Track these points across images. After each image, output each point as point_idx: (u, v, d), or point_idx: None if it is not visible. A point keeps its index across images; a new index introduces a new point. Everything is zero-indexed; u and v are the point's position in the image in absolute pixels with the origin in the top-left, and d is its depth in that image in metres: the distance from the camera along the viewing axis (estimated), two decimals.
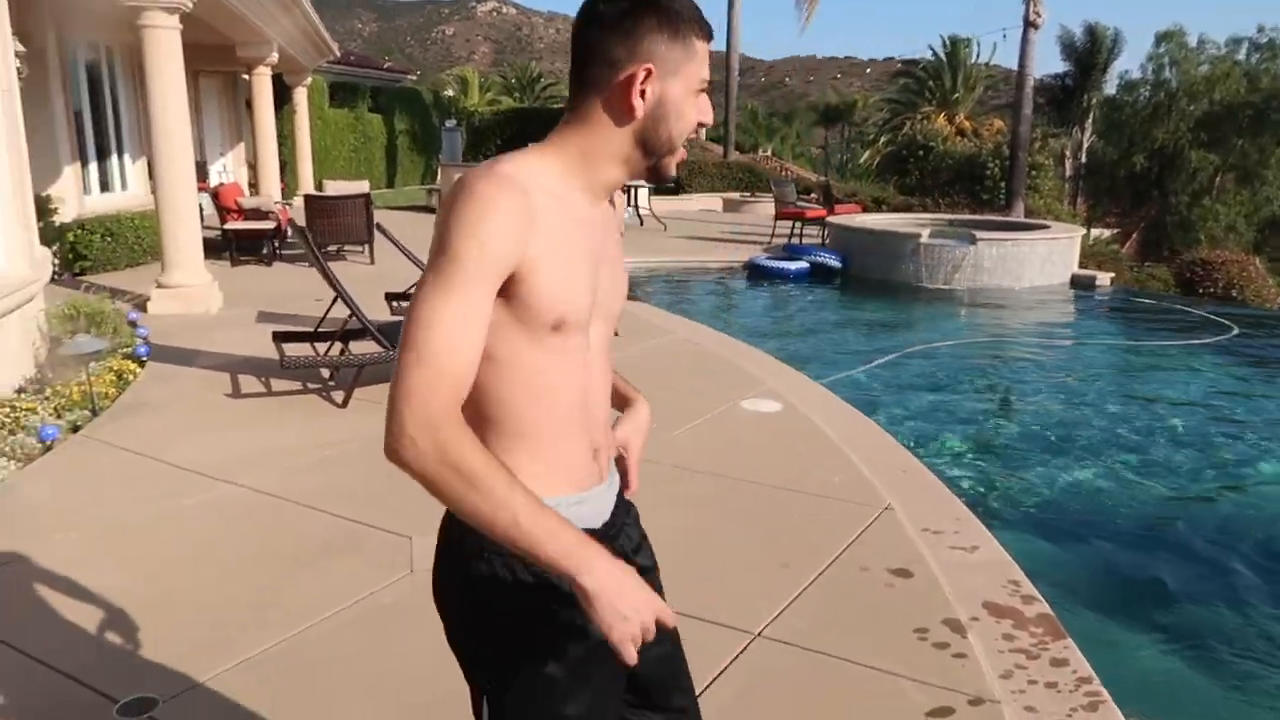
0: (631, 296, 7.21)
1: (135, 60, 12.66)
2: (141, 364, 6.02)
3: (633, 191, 15.53)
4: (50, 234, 8.96)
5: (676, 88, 1.30)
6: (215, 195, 11.26)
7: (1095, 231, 23.87)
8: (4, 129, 5.35)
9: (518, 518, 1.15)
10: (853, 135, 55.49)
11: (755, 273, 11.67)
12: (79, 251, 9.63)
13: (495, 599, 1.33)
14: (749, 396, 5.46)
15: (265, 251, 11.31)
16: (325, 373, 5.76)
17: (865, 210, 15.55)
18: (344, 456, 4.46)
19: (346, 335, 5.73)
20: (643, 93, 1.28)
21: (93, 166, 11.55)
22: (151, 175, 13.13)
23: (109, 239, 10.03)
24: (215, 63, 14.90)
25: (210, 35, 11.55)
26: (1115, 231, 27.87)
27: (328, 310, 5.85)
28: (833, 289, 11.28)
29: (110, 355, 5.88)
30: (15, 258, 5.57)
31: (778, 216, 13.94)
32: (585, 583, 1.14)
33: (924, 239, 11.03)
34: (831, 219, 12.90)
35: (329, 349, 5.70)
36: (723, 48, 22.98)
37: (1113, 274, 12.14)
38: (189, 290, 7.82)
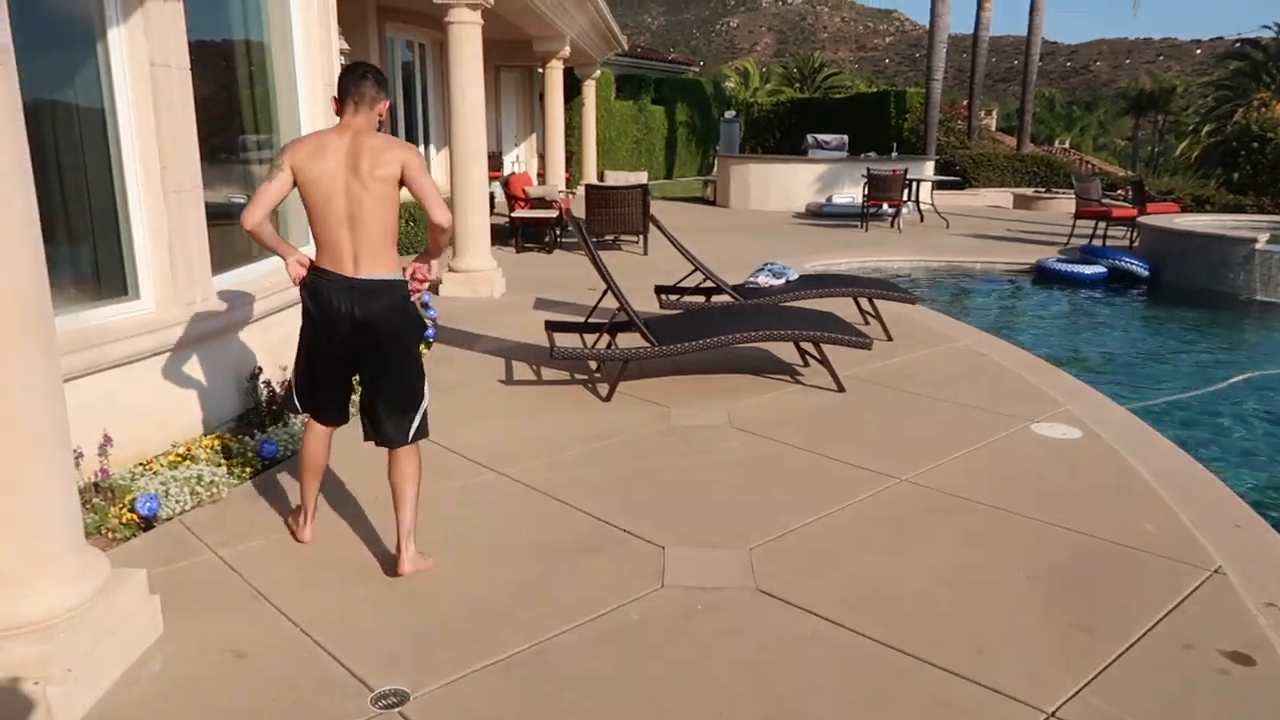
0: (907, 299, 6.70)
1: (443, 56, 13.64)
2: (429, 345, 6.36)
3: (914, 186, 14.72)
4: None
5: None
6: (506, 184, 11.87)
7: None
8: (325, 123, 5.79)
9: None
10: (1167, 125, 49.97)
11: (1044, 276, 10.62)
12: None
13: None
14: (1041, 419, 4.86)
15: (547, 239, 11.80)
16: (592, 364, 5.80)
17: (1184, 210, 13.74)
18: (604, 453, 4.42)
19: (614, 327, 5.73)
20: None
21: None
22: (450, 165, 14.16)
23: (412, 224, 10.82)
24: (514, 58, 15.77)
25: (511, 31, 12.17)
26: None
27: (598, 301, 5.87)
28: (1137, 298, 10.02)
29: None
30: None
31: (1078, 215, 12.65)
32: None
33: (1260, 244, 9.54)
34: (1143, 219, 11.50)
35: (596, 340, 5.73)
36: (1022, 31, 21.31)
37: None
38: (476, 275, 8.24)
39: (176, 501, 3.64)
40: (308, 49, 5.60)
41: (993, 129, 27.75)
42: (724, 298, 6.76)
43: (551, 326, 5.73)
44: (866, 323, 6.96)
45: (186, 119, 4.30)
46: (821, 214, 16.36)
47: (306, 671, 2.66)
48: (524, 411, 5.07)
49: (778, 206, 17.06)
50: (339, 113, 3.16)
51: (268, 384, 4.88)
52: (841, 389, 5.36)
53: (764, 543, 3.46)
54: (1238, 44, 39.22)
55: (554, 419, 4.93)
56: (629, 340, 5.73)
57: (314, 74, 5.62)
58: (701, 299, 6.98)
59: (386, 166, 3.02)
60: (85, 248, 4.22)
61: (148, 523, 3.53)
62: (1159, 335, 8.56)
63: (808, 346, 5.73)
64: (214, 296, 4.56)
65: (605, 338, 5.79)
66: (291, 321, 5.40)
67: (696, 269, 6.83)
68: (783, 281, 6.82)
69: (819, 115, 26.81)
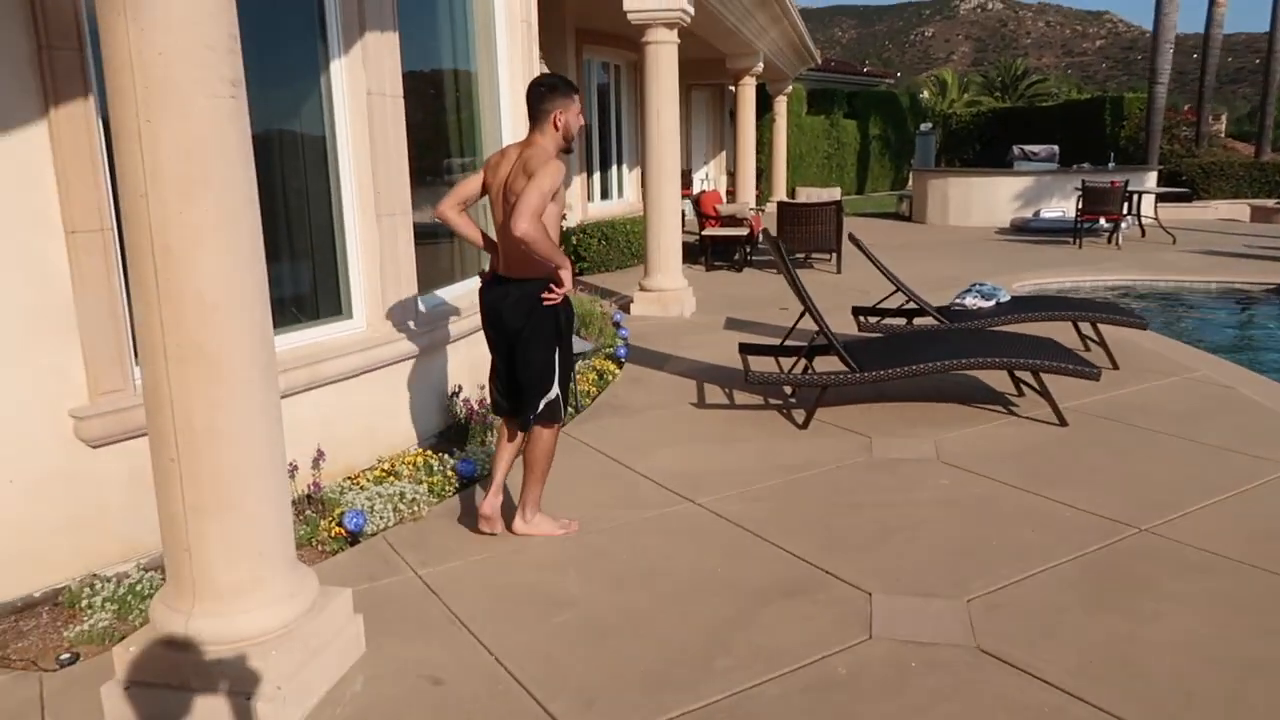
0: (1135, 323, 6.09)
1: (636, 77, 13.80)
2: (620, 365, 6.35)
3: (1135, 199, 13.57)
4: (558, 237, 9.98)
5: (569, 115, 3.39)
6: (696, 201, 11.83)
7: None
8: None
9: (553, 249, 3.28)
10: None
11: None
12: (579, 254, 10.65)
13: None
14: None
15: (736, 257, 11.66)
16: (787, 389, 5.59)
17: None
18: (802, 485, 4.20)
19: (811, 351, 5.50)
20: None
21: (596, 176, 12.78)
22: (643, 183, 14.31)
23: (604, 243, 10.97)
24: (705, 76, 15.78)
25: (704, 50, 12.16)
26: None
27: (794, 324, 5.66)
28: None
29: (595, 355, 6.27)
30: None
31: None
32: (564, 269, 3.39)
33: None
34: None
35: (794, 365, 5.51)
36: (1251, 27, 19.30)
37: None
38: (667, 294, 8.20)
39: (380, 518, 3.73)
40: (511, 74, 5.71)
41: (1222, 135, 25.34)
42: (927, 320, 6.38)
43: (745, 349, 5.56)
44: (1087, 349, 6.39)
45: (399, 145, 4.45)
46: (1028, 229, 15.40)
47: (500, 704, 2.60)
48: (716, 437, 4.93)
49: (979, 222, 16.20)
50: None
51: (466, 402, 4.97)
52: (1063, 422, 4.90)
53: (983, 594, 3.15)
54: None
55: (748, 446, 4.76)
56: (826, 364, 5.48)
57: (517, 97, 5.73)
58: (902, 321, 6.62)
59: (520, 179, 3.29)
60: (305, 268, 4.43)
61: (353, 537, 3.63)
62: None
63: (1024, 375, 5.28)
64: (419, 316, 4.68)
65: (801, 361, 5.56)
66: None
67: (898, 289, 6.49)
68: (993, 304, 6.36)
69: (1023, 125, 25.37)
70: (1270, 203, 16.84)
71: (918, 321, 6.56)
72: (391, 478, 4.17)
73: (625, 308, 8.26)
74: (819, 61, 19.49)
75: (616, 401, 5.57)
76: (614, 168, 13.32)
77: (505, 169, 3.42)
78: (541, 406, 3.50)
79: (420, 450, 4.48)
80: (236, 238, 2.41)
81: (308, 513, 3.79)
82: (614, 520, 3.83)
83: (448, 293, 5.22)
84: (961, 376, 5.79)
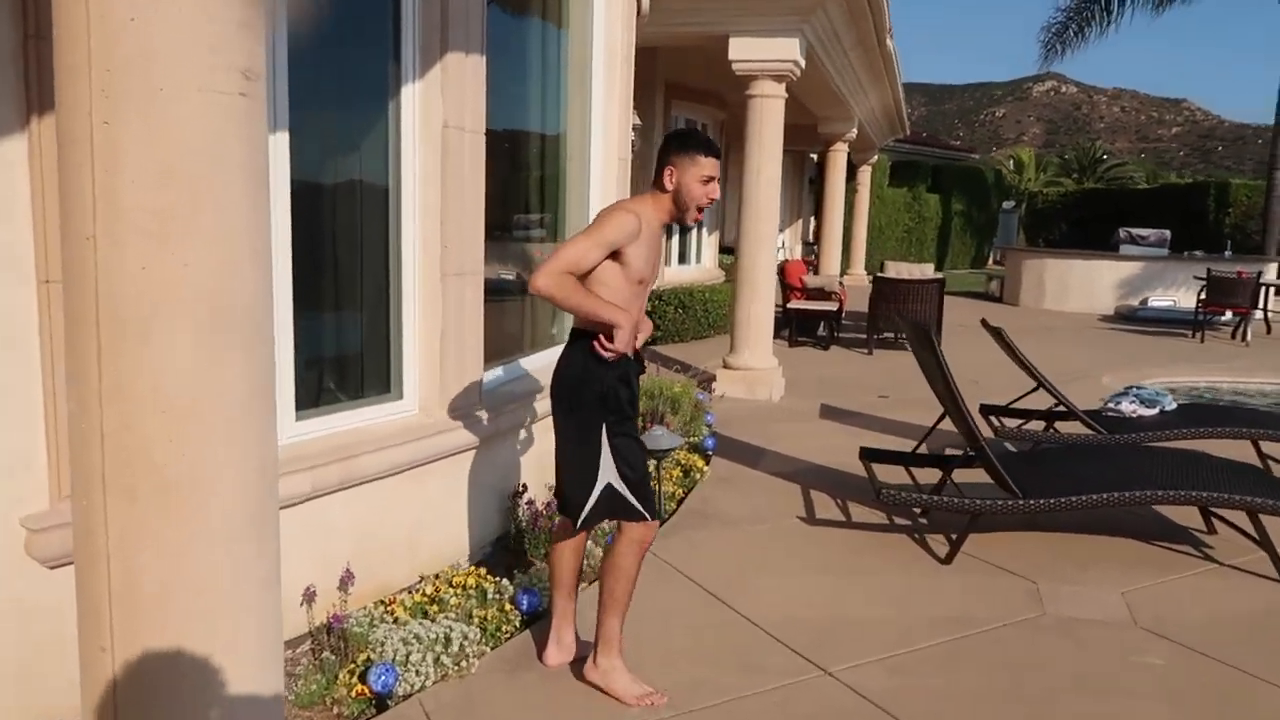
0: None
1: (724, 136, 13.09)
2: (707, 458, 5.43)
3: (1266, 291, 12.36)
4: None
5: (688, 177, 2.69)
6: (781, 271, 10.96)
7: None
8: (617, 199, 5.10)
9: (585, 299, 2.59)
10: None
11: None
12: (654, 321, 9.81)
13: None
14: None
15: (822, 333, 10.74)
16: (917, 509, 4.60)
17: None
18: (962, 655, 3.21)
19: (951, 461, 4.52)
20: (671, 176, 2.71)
21: (675, 240, 12.00)
22: (723, 249, 13.49)
23: (681, 310, 10.14)
24: (790, 141, 15.03)
25: (794, 113, 11.41)
26: None
27: (934, 425, 4.70)
28: None
29: (679, 449, 5.36)
30: None
31: None
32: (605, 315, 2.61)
33: None
34: None
35: (941, 483, 4.52)
36: None
37: None
38: (755, 374, 7.29)
39: (417, 673, 2.82)
40: (606, 118, 4.94)
41: None
42: (1073, 425, 5.38)
43: (869, 455, 4.60)
44: (1267, 470, 5.30)
45: (475, 191, 3.66)
46: (1136, 318, 14.22)
47: None
48: (838, 567, 3.96)
49: (1077, 307, 15.06)
50: None
51: (530, 504, 4.09)
52: None
53: None
54: None
55: (880, 584, 3.78)
56: (968, 478, 4.51)
57: (610, 143, 4.95)
58: (1042, 425, 5.62)
59: None
60: (348, 334, 3.62)
61: (380, 700, 2.73)
62: None
63: (1225, 510, 4.24)
64: (483, 397, 3.84)
65: (936, 472, 4.60)
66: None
67: (1040, 386, 5.52)
68: (1156, 412, 5.34)
69: (1111, 206, 24.26)
70: None
71: (1062, 427, 5.55)
72: (435, 606, 3.27)
73: (705, 385, 7.35)
74: (908, 131, 18.68)
75: (707, 508, 4.64)
76: (693, 231, 12.54)
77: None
78: (591, 504, 2.74)
79: (472, 568, 3.58)
80: (231, 309, 1.59)
81: (325, 655, 2.91)
82: (717, 693, 2.88)
83: (514, 368, 4.39)
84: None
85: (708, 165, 2.69)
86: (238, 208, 1.60)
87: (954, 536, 4.07)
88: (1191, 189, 23.18)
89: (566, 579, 3.00)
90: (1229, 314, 12.02)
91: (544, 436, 4.34)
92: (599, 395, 2.70)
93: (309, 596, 3.03)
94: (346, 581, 3.15)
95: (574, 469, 2.77)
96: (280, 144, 2.95)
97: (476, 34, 3.55)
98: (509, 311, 4.70)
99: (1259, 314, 12.51)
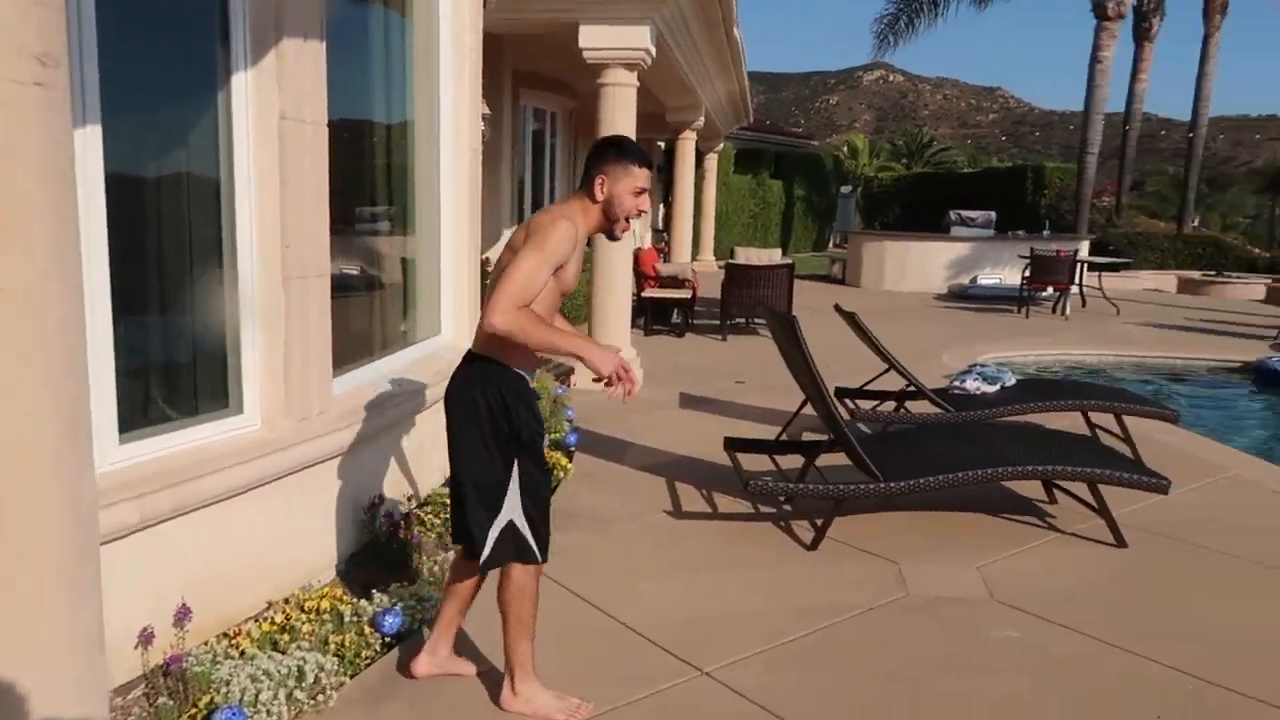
0: (1164, 414, 5.39)
1: (574, 126, 12.97)
2: (570, 455, 5.33)
3: (1082, 267, 13.26)
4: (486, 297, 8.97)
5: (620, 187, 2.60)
6: (635, 260, 10.95)
7: None
8: (468, 192, 4.91)
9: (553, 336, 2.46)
10: None
11: (1266, 379, 9.05)
12: None
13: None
14: None
15: (676, 320, 10.81)
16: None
17: None
18: (832, 642, 3.24)
19: (814, 447, 4.59)
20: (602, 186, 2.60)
21: None
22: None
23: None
24: (640, 130, 15.03)
25: (644, 101, 11.40)
26: None
27: (797, 411, 4.75)
28: None
29: None
30: (462, 329, 5.11)
31: None
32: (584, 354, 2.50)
33: None
34: None
35: (804, 472, 4.57)
36: (1185, 117, 19.78)
37: None
38: None
39: (268, 713, 2.60)
40: (456, 109, 4.74)
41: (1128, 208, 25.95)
42: (923, 404, 5.58)
43: (734, 445, 4.61)
44: (1097, 440, 5.64)
45: (318, 187, 3.41)
46: (967, 296, 15.02)
47: None
48: (708, 563, 3.95)
49: (914, 287, 15.78)
50: None
51: (389, 516, 3.88)
52: (1122, 544, 4.09)
53: None
54: None
55: (751, 577, 3.79)
56: (831, 462, 4.59)
57: (461, 135, 4.76)
58: (894, 405, 5.80)
59: (508, 254, 2.57)
60: (177, 347, 3.32)
61: None
62: None
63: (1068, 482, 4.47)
64: (333, 406, 3.60)
65: (793, 457, 4.66)
66: (421, 432, 4.45)
67: (894, 369, 5.69)
68: (998, 388, 5.59)
69: (940, 190, 25.55)
70: (1196, 274, 16.93)
71: (912, 406, 5.75)
72: (285, 636, 3.04)
73: (563, 379, 7.24)
74: (752, 119, 19.05)
75: (574, 507, 4.54)
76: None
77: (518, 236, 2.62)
78: (491, 543, 2.60)
79: (326, 589, 3.36)
80: (35, 332, 1.36)
81: (161, 700, 2.64)
82: (596, 705, 2.79)
83: (367, 372, 4.15)
84: None
85: (641, 177, 2.63)
86: (38, 217, 1.38)
87: (819, 522, 4.12)
88: (1011, 172, 24.70)
89: (464, 593, 2.87)
90: (1050, 290, 12.83)
91: (399, 444, 4.13)
92: (511, 425, 2.56)
93: (144, 637, 2.75)
94: (184, 616, 2.88)
95: (474, 500, 2.60)
96: (92, 139, 2.65)
97: (315, 19, 3.30)
98: (359, 311, 4.45)
99: (1075, 289, 13.43)
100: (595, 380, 2.57)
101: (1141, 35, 19.00)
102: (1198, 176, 19.93)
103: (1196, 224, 33.38)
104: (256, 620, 3.17)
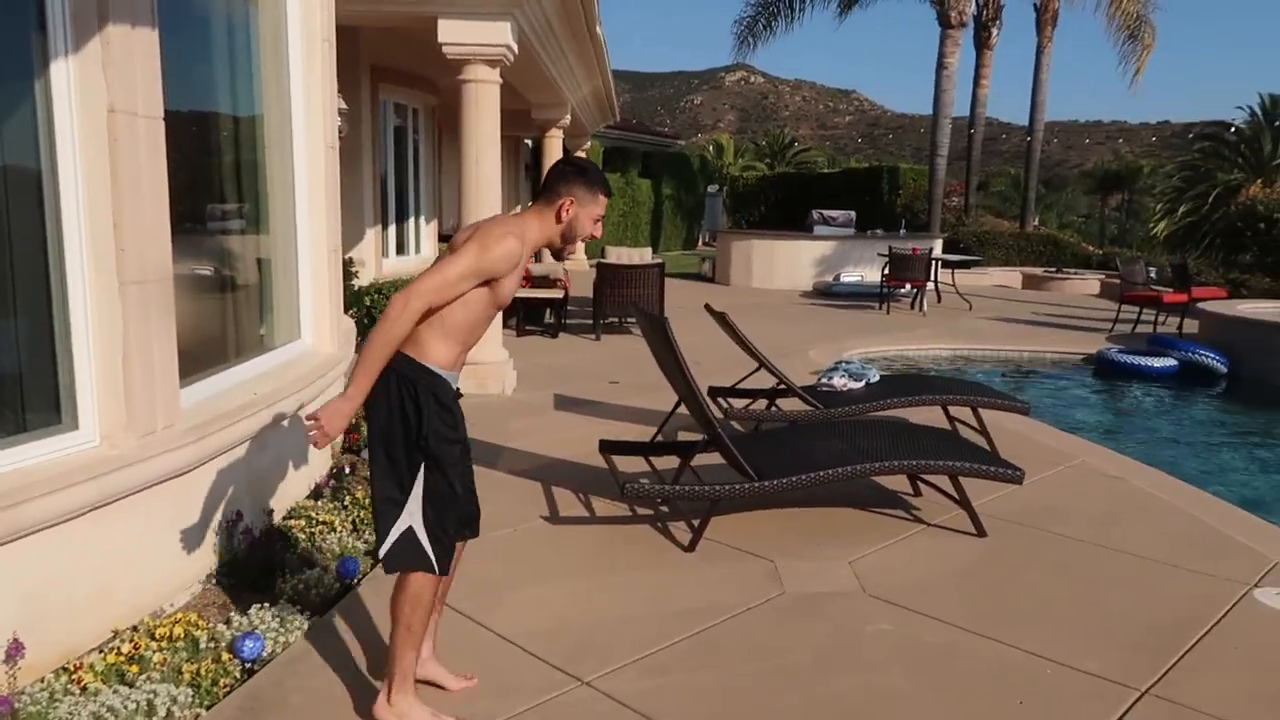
0: (1017, 407, 5.66)
1: (437, 123, 12.65)
2: None
3: (936, 265, 13.86)
4: (350, 298, 8.65)
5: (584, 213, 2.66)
6: None
7: None
8: (324, 189, 4.70)
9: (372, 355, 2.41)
10: (1128, 204, 50.32)
11: (1106, 369, 9.66)
12: (374, 316, 9.29)
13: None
14: (1262, 582, 3.78)
15: (549, 320, 10.71)
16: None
17: (1229, 295, 12.90)
18: (712, 644, 3.23)
19: (689, 448, 4.59)
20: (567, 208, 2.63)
21: (392, 229, 11.46)
22: (442, 238, 13.05)
23: None
24: (505, 126, 14.83)
25: (509, 99, 11.24)
26: None
27: (672, 412, 4.74)
28: (1219, 396, 9.06)
29: None
30: (323, 333, 4.89)
31: (1124, 300, 11.83)
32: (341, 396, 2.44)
33: None
34: (1207, 306, 10.66)
35: (680, 473, 4.55)
36: (1025, 121, 20.97)
37: None
38: (486, 368, 7.08)
39: None
40: (308, 101, 4.52)
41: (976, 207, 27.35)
42: (794, 401, 5.68)
43: (609, 448, 4.57)
44: (957, 433, 5.88)
45: (156, 185, 3.16)
46: (831, 293, 15.49)
47: None
48: (587, 568, 3.89)
49: (781, 284, 16.16)
50: None
51: (247, 533, 3.67)
52: (982, 533, 4.26)
53: None
54: (1200, 126, 39.41)
55: (629, 581, 3.75)
56: (706, 461, 4.61)
57: (314, 129, 4.54)
58: (764, 403, 5.88)
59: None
60: (4, 361, 3.02)
61: None
62: None
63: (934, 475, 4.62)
64: (181, 419, 3.36)
65: (662, 456, 4.65)
66: (282, 442, 4.22)
67: (764, 367, 5.77)
68: (863, 385, 5.75)
69: (803, 190, 26.29)
70: (1039, 271, 17.96)
71: (782, 403, 5.84)
72: (135, 667, 2.82)
73: None
74: (619, 118, 19.10)
75: None
76: (410, 220, 12.04)
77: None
78: (390, 542, 2.57)
79: (179, 614, 3.13)
80: None
81: None
82: (476, 719, 2.70)
83: (220, 380, 3.90)
84: None
85: (603, 205, 2.72)
86: None
87: (696, 523, 4.12)
88: (869, 173, 25.62)
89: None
90: (908, 287, 13.35)
91: (258, 456, 3.90)
92: (420, 427, 2.51)
93: None
94: (15, 652, 2.63)
95: (380, 497, 2.59)
96: None
97: (145, 3, 3.06)
98: (210, 316, 4.19)
99: (931, 286, 14.03)
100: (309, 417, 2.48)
101: (982, 43, 20.02)
102: (1036, 178, 21.17)
103: (1037, 223, 35.59)
104: (101, 651, 2.92)
